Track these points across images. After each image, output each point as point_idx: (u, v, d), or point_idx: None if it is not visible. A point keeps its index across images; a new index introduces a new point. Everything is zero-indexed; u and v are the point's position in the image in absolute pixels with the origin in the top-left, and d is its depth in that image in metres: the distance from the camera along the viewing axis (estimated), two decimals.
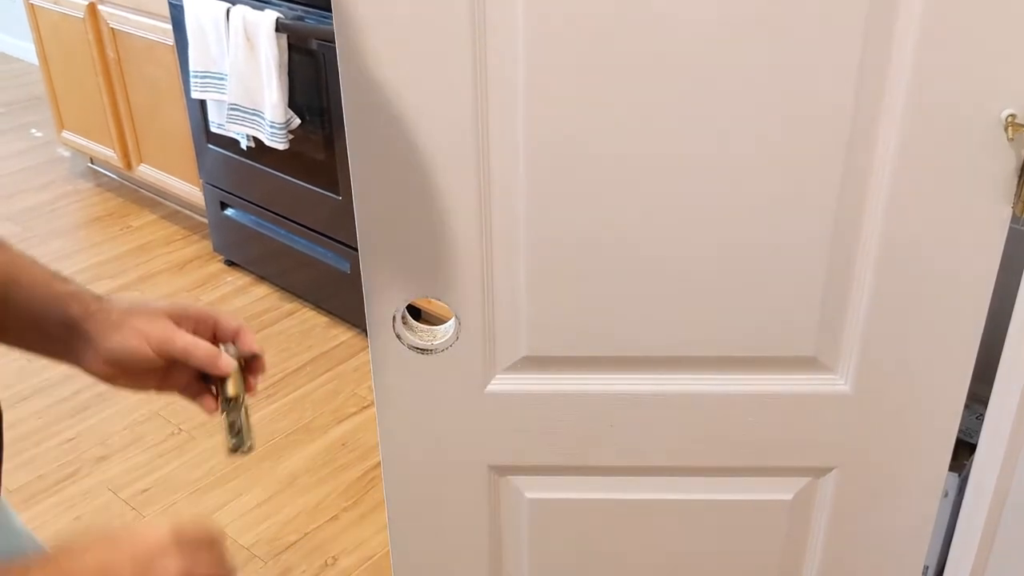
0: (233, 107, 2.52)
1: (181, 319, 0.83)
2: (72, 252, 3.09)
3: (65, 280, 0.84)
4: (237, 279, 2.94)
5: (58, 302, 0.82)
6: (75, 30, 3.04)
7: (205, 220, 2.98)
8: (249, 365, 0.84)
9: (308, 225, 2.59)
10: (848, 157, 0.90)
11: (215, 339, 0.84)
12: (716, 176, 0.92)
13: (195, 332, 0.83)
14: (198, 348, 0.80)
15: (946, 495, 1.40)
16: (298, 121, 2.44)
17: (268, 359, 0.92)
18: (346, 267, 2.52)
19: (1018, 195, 0.91)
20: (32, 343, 0.84)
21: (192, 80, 2.57)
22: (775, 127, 0.89)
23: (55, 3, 3.07)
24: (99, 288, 3.02)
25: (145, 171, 3.13)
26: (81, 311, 0.82)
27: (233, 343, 0.84)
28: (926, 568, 1.50)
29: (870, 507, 1.12)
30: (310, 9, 2.32)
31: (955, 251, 0.95)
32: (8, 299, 0.82)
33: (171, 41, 2.71)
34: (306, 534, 2.04)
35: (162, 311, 0.82)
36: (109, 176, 3.55)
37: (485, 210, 0.93)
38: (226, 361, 0.81)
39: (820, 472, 1.11)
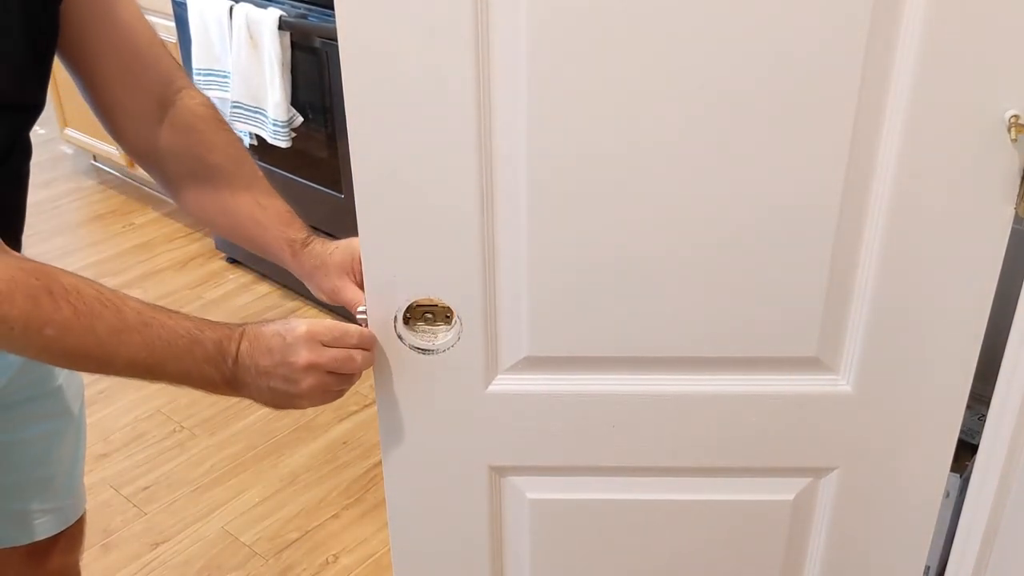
0: (236, 105, 2.52)
1: (349, 268, 1.05)
2: (74, 249, 3.10)
3: (289, 222, 1.09)
4: (239, 277, 2.95)
5: (280, 246, 1.08)
6: None
7: None
8: None
9: (311, 223, 2.58)
10: (851, 157, 0.90)
11: None
12: (718, 176, 0.92)
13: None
14: (352, 306, 1.02)
15: (947, 496, 1.40)
16: (301, 119, 2.44)
17: None
18: None
19: (1021, 195, 0.91)
20: (272, 261, 1.11)
21: (195, 78, 2.57)
22: (777, 126, 0.89)
23: None
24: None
25: None
26: (291, 258, 1.08)
27: None
28: (927, 568, 1.50)
29: (871, 507, 1.12)
30: (313, 7, 2.33)
31: (958, 251, 0.95)
32: (253, 238, 1.09)
33: (174, 39, 2.71)
34: (307, 532, 2.05)
35: (337, 267, 1.05)
36: (112, 173, 3.55)
37: (487, 210, 0.93)
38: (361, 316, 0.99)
39: (821, 472, 1.11)
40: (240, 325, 0.94)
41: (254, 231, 1.08)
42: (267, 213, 1.07)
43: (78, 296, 0.86)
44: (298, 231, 1.08)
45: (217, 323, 0.93)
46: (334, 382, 0.95)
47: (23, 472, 1.21)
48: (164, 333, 0.89)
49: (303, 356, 0.91)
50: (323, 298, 1.08)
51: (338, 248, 1.06)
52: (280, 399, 0.94)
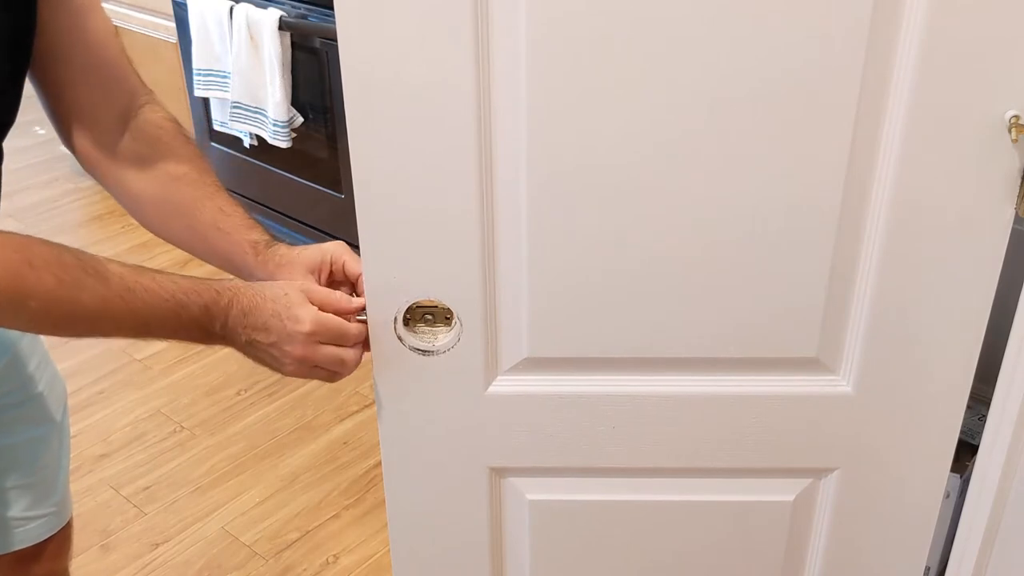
0: (236, 105, 2.52)
1: (317, 268, 1.03)
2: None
3: (252, 226, 1.07)
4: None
5: (243, 249, 1.05)
6: None
7: None
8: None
9: (310, 223, 2.59)
10: (851, 158, 0.90)
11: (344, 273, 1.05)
12: (718, 177, 0.92)
13: (331, 276, 1.04)
14: (328, 303, 0.98)
15: (948, 496, 1.40)
16: (301, 119, 2.44)
17: None
18: None
19: (1021, 196, 0.91)
20: (231, 272, 1.08)
21: (195, 78, 2.57)
22: (778, 128, 0.89)
23: None
24: None
25: None
26: (253, 258, 1.05)
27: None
28: (928, 569, 1.50)
29: (872, 508, 1.12)
30: (313, 7, 2.33)
31: (958, 252, 0.95)
32: (215, 245, 1.06)
33: (174, 39, 2.72)
34: (307, 532, 2.05)
35: (299, 268, 1.03)
36: None
37: (487, 211, 0.93)
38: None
39: (822, 473, 1.11)
40: (229, 288, 0.94)
41: (215, 237, 1.07)
42: (230, 220, 1.07)
43: (59, 266, 0.86)
44: (261, 234, 1.08)
45: (204, 284, 0.93)
46: (321, 373, 0.97)
47: (3, 479, 1.20)
48: (149, 298, 0.89)
49: (298, 350, 0.93)
50: None
51: (307, 249, 1.05)
52: (261, 363, 0.96)
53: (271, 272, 1.05)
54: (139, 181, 1.07)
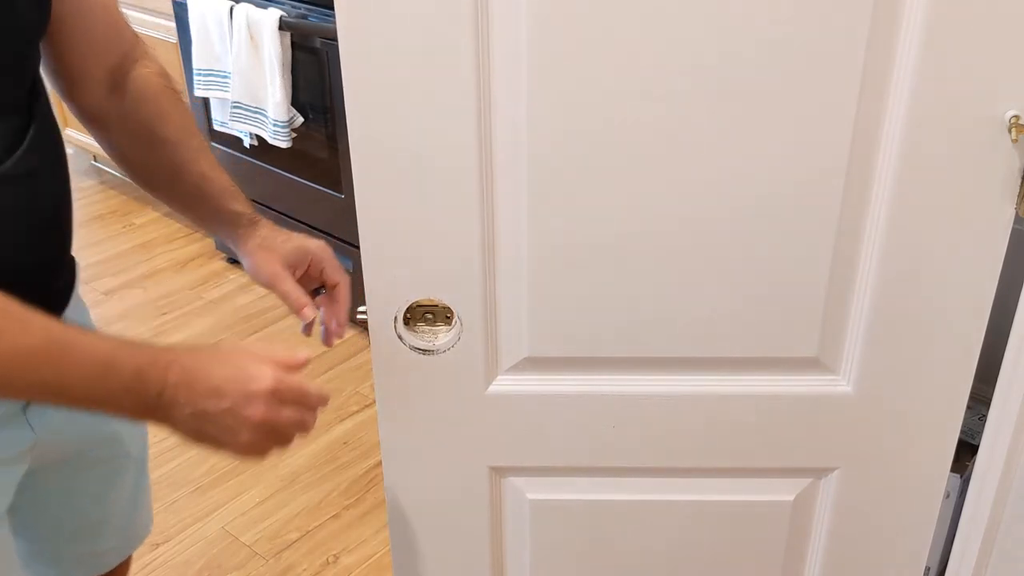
0: (236, 105, 2.52)
1: (296, 264, 1.04)
2: (74, 250, 3.09)
3: (234, 195, 1.07)
4: (240, 277, 2.94)
5: (223, 218, 1.07)
6: None
7: None
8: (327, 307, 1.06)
9: (311, 223, 2.59)
10: (852, 158, 0.90)
11: (321, 275, 1.05)
12: (718, 179, 0.92)
13: (307, 272, 1.05)
14: (289, 298, 1.01)
15: (948, 496, 1.40)
16: (301, 119, 2.44)
17: None
18: (348, 265, 2.51)
19: (1021, 196, 0.91)
20: (219, 237, 1.10)
21: (195, 78, 2.57)
22: (778, 128, 0.89)
23: None
24: (102, 286, 3.00)
25: None
26: (232, 229, 1.06)
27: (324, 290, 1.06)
28: (928, 569, 1.50)
29: (872, 508, 1.12)
30: (313, 7, 2.32)
31: (958, 252, 0.95)
32: (196, 210, 1.09)
33: (174, 39, 2.71)
34: (307, 532, 2.05)
35: (279, 257, 1.03)
36: (112, 174, 3.55)
37: (487, 210, 0.93)
38: (306, 315, 1.01)
39: (822, 473, 1.11)
40: (170, 350, 0.84)
41: (197, 204, 1.08)
42: (212, 185, 1.07)
43: None
44: (243, 205, 1.07)
45: (141, 346, 0.83)
46: (272, 442, 0.87)
47: (72, 517, 1.12)
48: (75, 354, 0.80)
49: (260, 411, 0.83)
50: (254, 276, 1.05)
51: (291, 240, 1.04)
52: (205, 441, 0.86)
53: (251, 251, 1.05)
54: (127, 139, 1.08)
